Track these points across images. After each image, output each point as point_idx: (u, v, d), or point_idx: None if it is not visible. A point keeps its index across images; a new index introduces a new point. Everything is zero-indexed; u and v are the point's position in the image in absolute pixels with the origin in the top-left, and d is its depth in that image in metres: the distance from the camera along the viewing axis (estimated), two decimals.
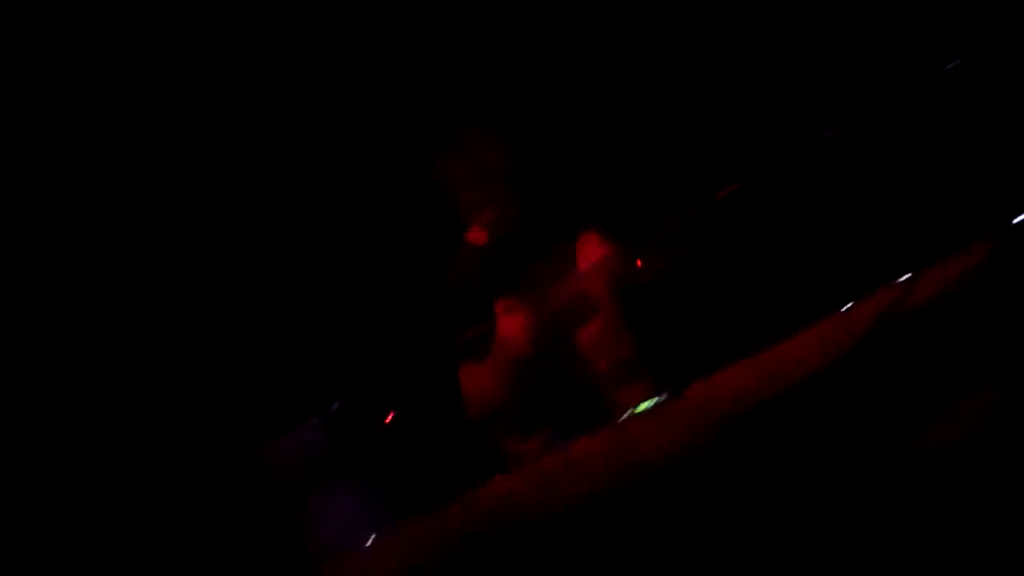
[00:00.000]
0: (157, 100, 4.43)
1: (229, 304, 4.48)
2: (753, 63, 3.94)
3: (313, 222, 4.47)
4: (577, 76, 4.10)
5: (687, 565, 2.81)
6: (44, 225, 4.45)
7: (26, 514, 4.14)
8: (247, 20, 4.37)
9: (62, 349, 4.40)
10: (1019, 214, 2.91)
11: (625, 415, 2.95)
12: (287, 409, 3.93)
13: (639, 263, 3.46)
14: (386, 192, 4.36)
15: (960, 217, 3.42)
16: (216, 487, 3.99)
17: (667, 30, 4.03)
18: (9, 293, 4.35)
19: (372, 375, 3.98)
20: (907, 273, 2.90)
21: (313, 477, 3.71)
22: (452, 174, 3.53)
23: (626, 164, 3.72)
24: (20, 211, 4.40)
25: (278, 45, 4.39)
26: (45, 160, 4.44)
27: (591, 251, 3.54)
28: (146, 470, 4.16)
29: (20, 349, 4.33)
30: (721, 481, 2.79)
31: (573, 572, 2.88)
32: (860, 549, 2.68)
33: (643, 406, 2.97)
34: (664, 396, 2.91)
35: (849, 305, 2.92)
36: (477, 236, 3.53)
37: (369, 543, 3.16)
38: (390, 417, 3.72)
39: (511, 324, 3.56)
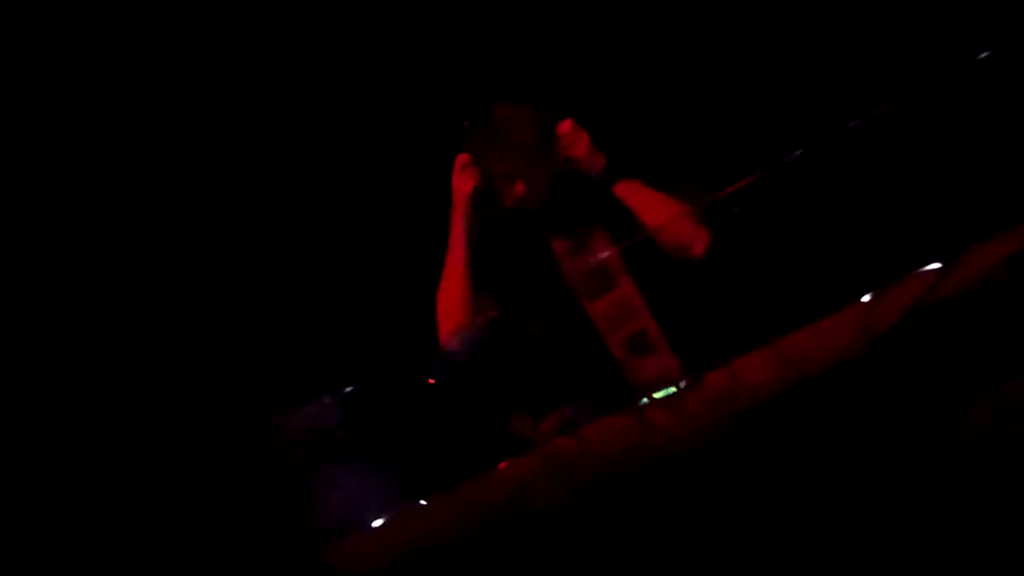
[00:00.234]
0: (157, 100, 4.42)
1: (249, 283, 4.48)
2: (788, 51, 3.92)
3: (339, 201, 4.46)
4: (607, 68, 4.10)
5: (700, 555, 2.77)
6: (46, 224, 4.44)
7: (33, 485, 4.12)
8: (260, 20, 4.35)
9: (67, 324, 4.39)
10: None
11: (642, 401, 2.89)
12: (299, 385, 3.91)
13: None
14: (406, 175, 4.35)
15: (990, 207, 3.37)
16: (225, 461, 3.97)
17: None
18: (11, 289, 4.34)
19: (388, 355, 3.95)
20: (935, 263, 2.84)
21: (323, 455, 3.67)
22: (482, 148, 3.48)
23: (651, 145, 3.68)
24: (20, 211, 4.39)
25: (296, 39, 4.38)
26: (45, 160, 4.42)
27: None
28: (155, 444, 4.15)
29: (24, 327, 4.32)
30: (738, 471, 2.74)
31: (582, 558, 2.85)
32: (882, 541, 2.63)
33: (660, 393, 2.92)
34: (683, 383, 2.86)
35: (872, 294, 2.86)
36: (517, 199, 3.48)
37: (377, 524, 3.12)
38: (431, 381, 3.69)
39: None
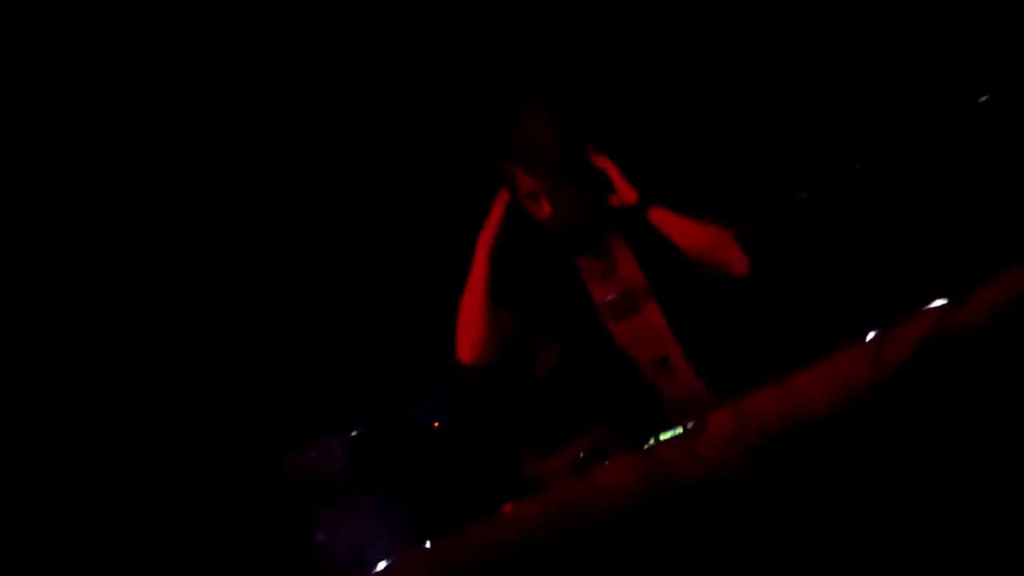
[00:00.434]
0: (158, 100, 4.41)
1: (261, 316, 4.46)
2: (791, 92, 3.94)
3: (354, 234, 4.45)
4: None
5: None
6: (63, 230, 4.43)
7: (36, 527, 4.10)
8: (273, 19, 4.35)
9: (83, 360, 4.38)
10: None
11: (649, 443, 2.87)
12: (308, 424, 3.89)
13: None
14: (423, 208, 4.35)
15: (992, 243, 3.36)
16: (232, 500, 3.95)
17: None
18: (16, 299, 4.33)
19: (395, 398, 3.93)
20: (937, 300, 2.82)
21: (329, 496, 3.65)
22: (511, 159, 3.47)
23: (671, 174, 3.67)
24: (27, 213, 4.38)
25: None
26: (48, 161, 4.41)
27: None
28: (164, 478, 4.14)
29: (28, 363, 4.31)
30: (747, 512, 2.71)
31: None
32: None
33: (667, 434, 2.89)
34: (689, 424, 2.83)
35: (877, 332, 2.84)
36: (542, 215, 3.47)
37: (381, 566, 3.09)
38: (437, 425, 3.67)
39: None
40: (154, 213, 4.48)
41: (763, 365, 2.80)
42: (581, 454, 3.40)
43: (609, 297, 3.43)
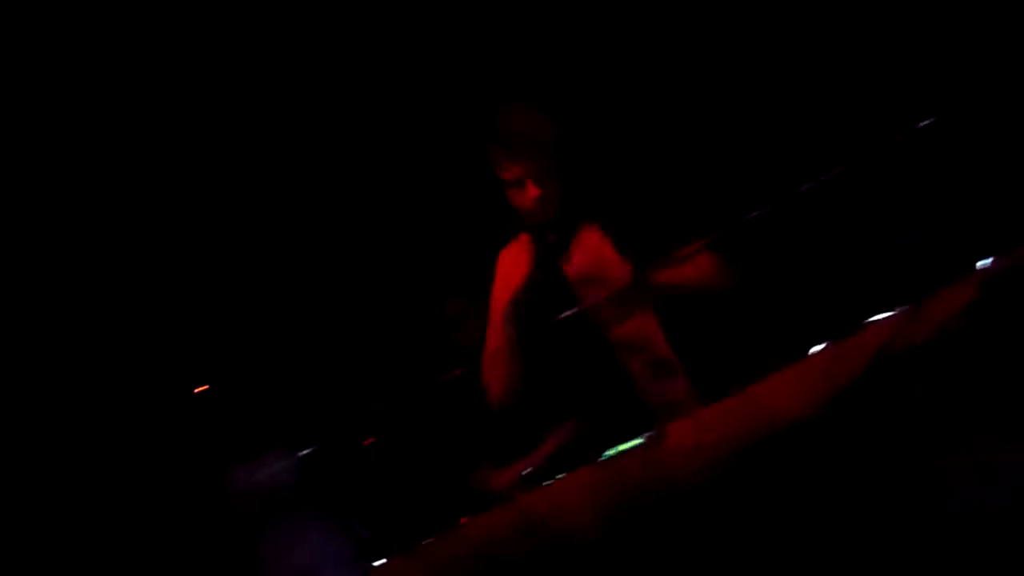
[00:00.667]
0: (158, 100, 4.39)
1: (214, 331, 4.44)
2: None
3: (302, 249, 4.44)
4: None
5: None
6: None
7: None
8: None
9: (21, 371, 4.34)
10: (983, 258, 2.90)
11: (606, 454, 2.87)
12: (257, 441, 3.86)
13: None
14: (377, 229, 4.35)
15: (930, 260, 3.42)
16: (178, 512, 3.92)
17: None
18: None
19: (346, 413, 3.92)
20: (885, 312, 2.87)
21: (278, 513, 3.63)
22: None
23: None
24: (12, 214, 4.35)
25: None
26: (45, 161, 4.38)
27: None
28: (107, 491, 4.10)
29: None
30: (706, 521, 2.73)
31: None
32: None
33: (625, 445, 2.90)
34: (645, 436, 2.85)
35: (826, 344, 2.88)
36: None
37: None
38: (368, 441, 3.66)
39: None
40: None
41: (732, 372, 2.83)
42: (529, 469, 3.40)
43: (598, 300, 3.44)
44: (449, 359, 3.79)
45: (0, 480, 4.12)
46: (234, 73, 4.43)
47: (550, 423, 3.38)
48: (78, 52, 4.34)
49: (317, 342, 4.40)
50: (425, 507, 3.66)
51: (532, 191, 3.41)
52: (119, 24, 4.32)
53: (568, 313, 3.37)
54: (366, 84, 4.46)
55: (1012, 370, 2.71)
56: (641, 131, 4.11)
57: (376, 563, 3.02)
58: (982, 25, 3.75)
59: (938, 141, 3.28)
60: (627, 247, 3.45)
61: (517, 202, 3.46)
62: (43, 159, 4.40)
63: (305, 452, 3.54)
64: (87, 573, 3.93)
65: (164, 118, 4.45)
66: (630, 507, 2.78)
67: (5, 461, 4.15)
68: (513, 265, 3.51)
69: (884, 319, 2.84)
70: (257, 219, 4.47)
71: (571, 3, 4.26)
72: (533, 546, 2.82)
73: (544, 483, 2.98)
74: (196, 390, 4.31)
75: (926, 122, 3.14)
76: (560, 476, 2.92)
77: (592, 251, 3.49)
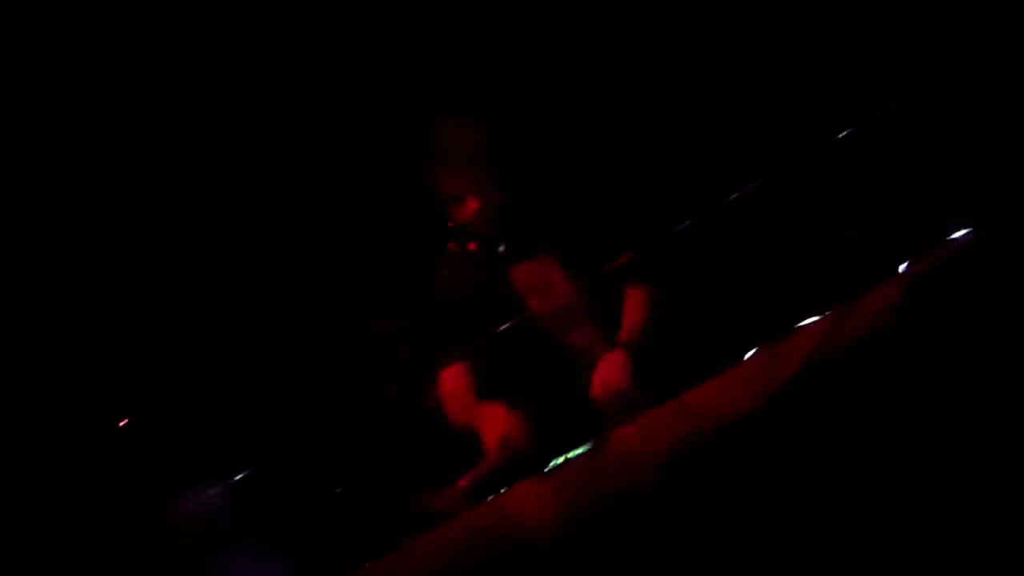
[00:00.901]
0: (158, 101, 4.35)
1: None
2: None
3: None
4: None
5: None
6: None
7: None
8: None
9: None
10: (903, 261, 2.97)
11: (553, 463, 2.90)
12: (191, 469, 3.82)
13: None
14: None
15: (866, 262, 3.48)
16: (106, 544, 3.87)
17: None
18: None
19: (281, 439, 3.90)
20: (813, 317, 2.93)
21: (215, 541, 3.59)
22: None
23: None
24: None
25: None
26: (44, 160, 4.32)
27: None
28: (40, 524, 4.05)
29: None
30: (654, 527, 2.76)
31: None
32: None
33: (571, 453, 2.93)
34: (592, 443, 2.88)
35: (759, 349, 2.94)
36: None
37: None
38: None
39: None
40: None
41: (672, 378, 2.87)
42: (470, 483, 3.40)
43: (546, 310, 3.45)
44: (384, 377, 3.79)
45: None
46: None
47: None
48: (78, 52, 4.29)
49: (245, 364, 4.37)
50: (367, 529, 3.65)
51: (472, 205, 3.42)
52: (119, 24, 4.29)
53: (513, 321, 3.39)
54: (295, 102, 4.44)
55: (941, 368, 2.77)
56: (572, 141, 4.13)
57: None
58: (904, 31, 3.84)
59: (858, 148, 3.36)
60: (569, 258, 3.48)
61: (458, 217, 3.47)
62: (23, 159, 4.35)
63: (237, 479, 3.51)
64: None
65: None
66: (579, 515, 2.80)
67: None
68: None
69: (813, 323, 2.91)
70: (179, 238, 4.43)
71: (508, 16, 4.28)
72: (483, 561, 2.83)
73: (489, 497, 3.00)
74: (120, 423, 4.27)
75: (846, 132, 3.22)
76: (504, 490, 2.94)
77: (538, 261, 3.50)
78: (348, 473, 3.78)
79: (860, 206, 3.69)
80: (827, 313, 2.91)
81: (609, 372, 3.29)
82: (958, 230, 2.93)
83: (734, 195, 3.17)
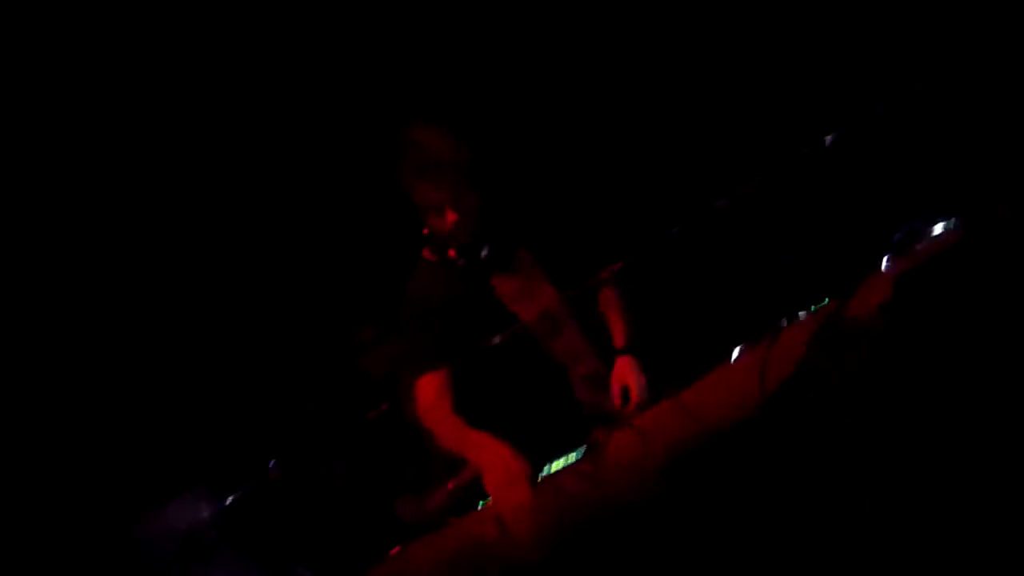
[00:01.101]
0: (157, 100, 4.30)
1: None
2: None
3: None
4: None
5: None
6: None
7: None
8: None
9: None
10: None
11: (542, 473, 2.86)
12: (169, 482, 3.78)
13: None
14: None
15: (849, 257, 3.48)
16: (87, 557, 3.82)
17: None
18: None
19: (264, 450, 3.86)
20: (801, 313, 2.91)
21: (196, 556, 3.55)
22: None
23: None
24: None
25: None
26: (43, 160, 4.27)
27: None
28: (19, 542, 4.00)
29: None
30: (649, 531, 2.74)
31: None
32: None
33: (558, 463, 2.89)
34: (582, 451, 2.85)
35: (746, 347, 2.91)
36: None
37: None
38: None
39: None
40: None
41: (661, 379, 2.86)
42: (451, 486, 3.36)
43: (530, 317, 3.42)
44: (366, 389, 3.76)
45: None
46: None
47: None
48: (78, 52, 4.25)
49: (230, 373, 4.34)
50: (353, 540, 3.62)
51: (451, 215, 3.38)
52: (119, 24, 4.25)
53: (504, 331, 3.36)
54: (271, 110, 4.41)
55: (932, 365, 2.76)
56: (552, 146, 4.12)
57: None
58: (880, 36, 3.86)
59: (842, 152, 3.36)
60: (550, 263, 3.45)
61: (436, 227, 3.43)
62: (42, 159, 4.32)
63: (224, 490, 3.47)
64: None
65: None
66: (572, 522, 2.77)
67: None
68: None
69: (803, 320, 2.88)
70: (156, 249, 4.40)
71: (489, 21, 4.26)
72: (475, 570, 2.80)
73: (478, 505, 2.97)
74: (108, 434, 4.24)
75: (830, 136, 3.22)
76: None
77: (520, 267, 3.47)
78: (335, 485, 3.75)
79: (846, 205, 3.70)
80: (816, 311, 2.88)
81: (628, 380, 3.25)
82: (944, 226, 2.91)
83: (718, 202, 3.16)
